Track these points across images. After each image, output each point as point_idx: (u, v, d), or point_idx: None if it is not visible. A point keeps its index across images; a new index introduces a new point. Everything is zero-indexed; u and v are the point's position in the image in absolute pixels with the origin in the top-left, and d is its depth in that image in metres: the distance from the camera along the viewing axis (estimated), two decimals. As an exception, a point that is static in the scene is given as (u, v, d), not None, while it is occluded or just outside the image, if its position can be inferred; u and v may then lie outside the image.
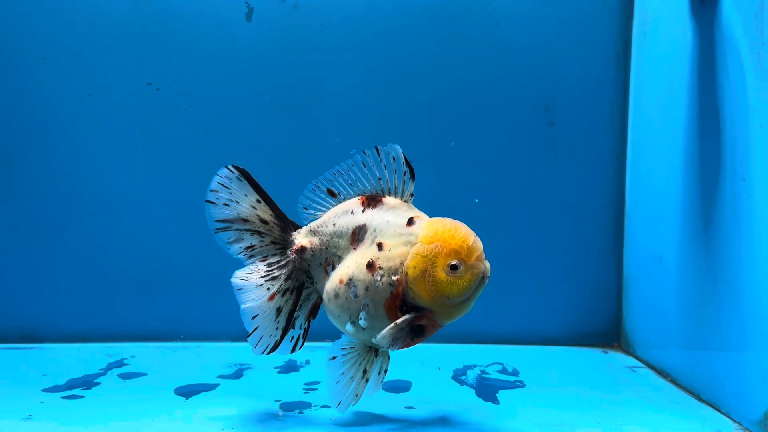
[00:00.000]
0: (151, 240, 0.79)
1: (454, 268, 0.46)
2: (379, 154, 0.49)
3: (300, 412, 0.56)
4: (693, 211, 0.64)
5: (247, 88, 0.79)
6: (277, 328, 0.51)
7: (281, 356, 0.70)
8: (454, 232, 0.47)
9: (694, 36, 0.64)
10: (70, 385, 0.62)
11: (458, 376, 0.67)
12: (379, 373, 0.51)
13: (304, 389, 0.62)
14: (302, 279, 0.52)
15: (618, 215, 0.81)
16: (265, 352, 0.51)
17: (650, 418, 0.56)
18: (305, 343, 0.55)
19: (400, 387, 0.63)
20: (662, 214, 0.70)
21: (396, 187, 0.50)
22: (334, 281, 0.49)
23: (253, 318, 0.50)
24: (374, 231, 0.49)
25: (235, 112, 0.79)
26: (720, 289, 0.58)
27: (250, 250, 0.52)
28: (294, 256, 0.51)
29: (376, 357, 0.51)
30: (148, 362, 0.70)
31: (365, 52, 0.79)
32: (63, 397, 0.59)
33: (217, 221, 0.53)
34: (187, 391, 0.61)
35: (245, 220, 0.52)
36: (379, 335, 0.47)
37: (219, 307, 0.80)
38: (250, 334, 0.51)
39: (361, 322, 0.48)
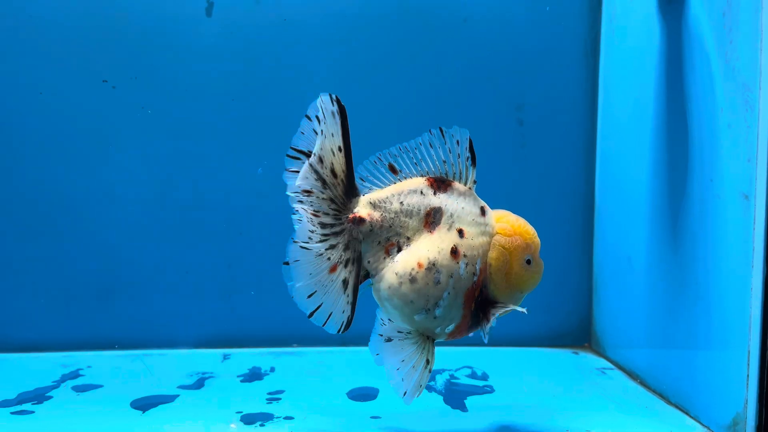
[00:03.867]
0: (110, 244, 0.77)
1: (528, 262, 0.48)
2: (444, 136, 0.48)
3: (261, 425, 0.54)
4: (661, 210, 0.63)
5: (208, 85, 0.76)
6: (348, 303, 0.46)
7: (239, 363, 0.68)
8: (526, 227, 0.49)
9: (661, 35, 0.63)
10: (21, 399, 0.59)
11: (427, 382, 0.65)
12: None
13: (267, 399, 0.60)
14: (359, 250, 0.47)
15: (588, 215, 0.80)
16: (340, 330, 0.47)
17: (619, 423, 0.55)
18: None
19: (367, 395, 0.62)
20: (631, 213, 0.69)
21: (461, 173, 0.48)
22: (409, 264, 0.46)
23: (310, 296, 0.46)
24: (451, 216, 0.47)
25: (196, 109, 0.77)
26: (688, 290, 0.57)
27: (306, 194, 0.46)
28: (350, 225, 0.47)
29: (432, 346, 0.49)
30: (104, 373, 0.68)
31: (329, 48, 0.77)
32: (12, 413, 0.56)
33: (292, 148, 0.48)
34: (144, 404, 0.58)
35: (320, 160, 0.46)
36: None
37: (180, 313, 0.78)
38: (313, 313, 0.46)
39: (438, 311, 0.46)
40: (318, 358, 0.74)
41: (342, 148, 0.46)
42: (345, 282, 0.46)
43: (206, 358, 0.74)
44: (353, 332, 0.83)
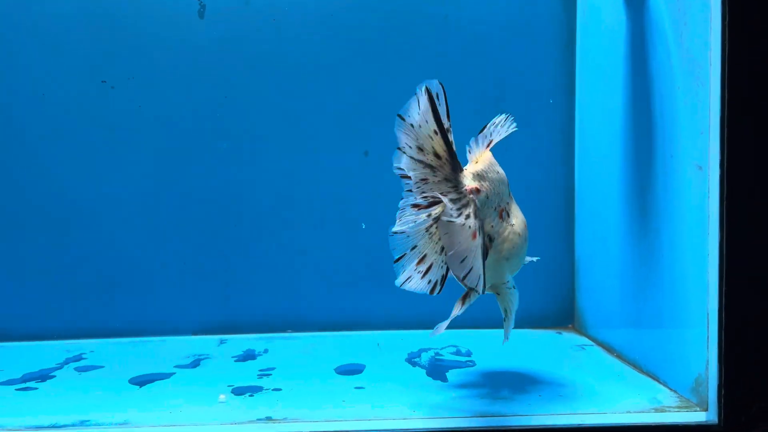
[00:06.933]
0: (112, 240, 0.80)
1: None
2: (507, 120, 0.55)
3: (250, 395, 0.57)
4: (632, 195, 0.66)
5: (201, 85, 0.80)
6: (482, 265, 0.49)
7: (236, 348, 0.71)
8: None
9: (628, 22, 0.66)
10: (26, 378, 0.63)
11: (412, 359, 0.68)
12: None
13: (258, 375, 0.63)
14: (482, 217, 0.51)
15: (569, 203, 0.83)
16: (483, 290, 0.50)
17: (592, 389, 0.58)
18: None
19: (354, 370, 0.64)
20: (606, 200, 0.72)
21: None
22: (523, 224, 0.55)
23: (462, 261, 0.48)
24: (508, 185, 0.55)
25: (190, 108, 0.80)
26: (654, 271, 0.60)
27: (423, 183, 0.49)
28: (471, 196, 0.50)
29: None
30: (106, 356, 0.71)
31: (316, 47, 0.81)
32: (17, 389, 0.60)
33: (399, 148, 0.50)
34: (141, 381, 0.61)
35: (420, 149, 0.49)
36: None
37: (179, 302, 0.81)
38: (467, 275, 0.49)
39: (525, 260, 0.58)
40: (310, 341, 0.77)
41: (437, 130, 0.48)
42: (482, 246, 0.50)
43: (204, 343, 0.77)
44: (343, 318, 0.86)
